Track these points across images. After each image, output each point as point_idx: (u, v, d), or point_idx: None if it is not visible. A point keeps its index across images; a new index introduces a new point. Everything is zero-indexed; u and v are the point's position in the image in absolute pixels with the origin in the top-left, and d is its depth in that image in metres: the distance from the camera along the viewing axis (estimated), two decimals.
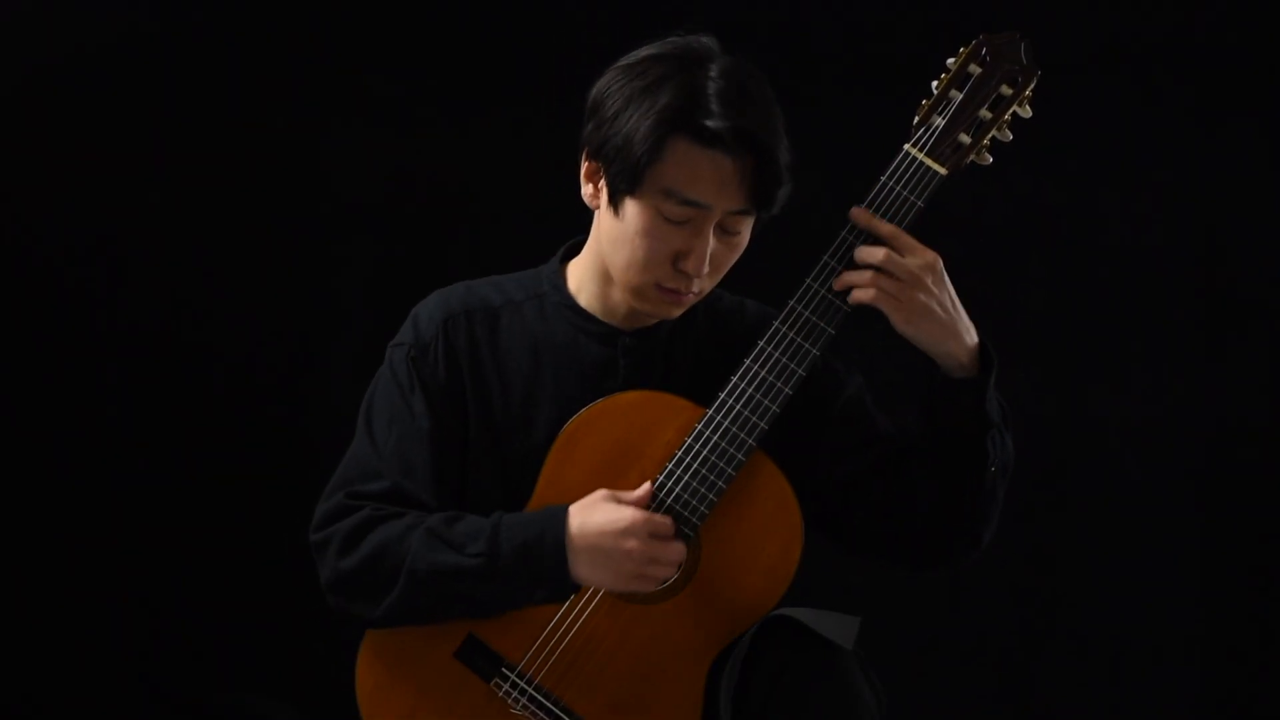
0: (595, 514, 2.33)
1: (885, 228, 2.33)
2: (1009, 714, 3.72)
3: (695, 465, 2.35)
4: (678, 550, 2.33)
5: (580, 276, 2.49)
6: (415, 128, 3.57)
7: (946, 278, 2.35)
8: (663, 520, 2.33)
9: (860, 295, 2.33)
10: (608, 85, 2.38)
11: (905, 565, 2.51)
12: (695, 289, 2.39)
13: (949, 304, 2.35)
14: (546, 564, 2.32)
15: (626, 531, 2.31)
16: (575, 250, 2.52)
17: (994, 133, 2.36)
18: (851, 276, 2.34)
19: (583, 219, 2.53)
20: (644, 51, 2.39)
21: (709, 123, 2.30)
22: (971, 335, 2.38)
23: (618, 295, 2.45)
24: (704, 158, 2.31)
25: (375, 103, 3.56)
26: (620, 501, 2.34)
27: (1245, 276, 3.68)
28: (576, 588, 2.35)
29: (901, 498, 2.43)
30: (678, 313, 2.43)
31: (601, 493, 2.35)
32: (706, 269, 2.36)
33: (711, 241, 2.35)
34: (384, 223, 3.59)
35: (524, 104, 3.55)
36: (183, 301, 3.52)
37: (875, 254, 2.32)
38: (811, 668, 2.31)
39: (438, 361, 2.45)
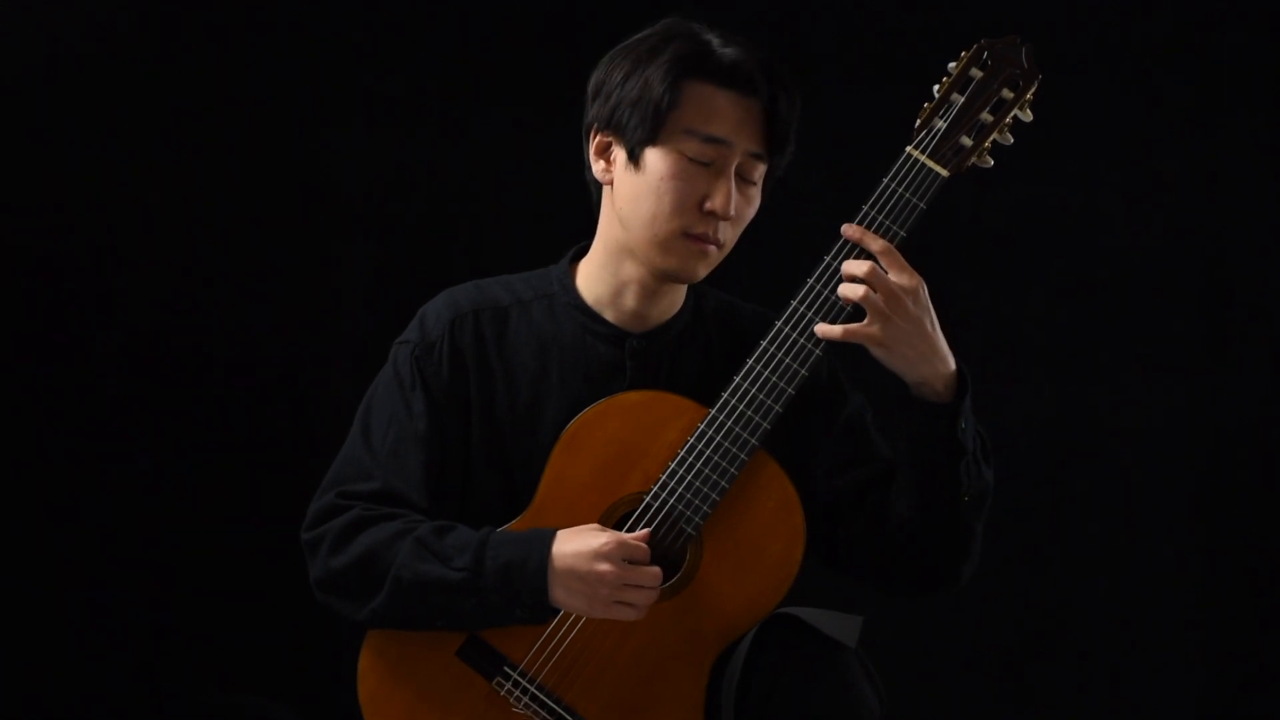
0: (575, 539, 2.33)
1: (877, 244, 2.33)
2: (1009, 714, 3.73)
3: (698, 465, 2.35)
4: (653, 575, 2.32)
5: (589, 276, 2.50)
6: (415, 128, 3.57)
7: (929, 303, 2.34)
8: (637, 545, 2.33)
9: (847, 292, 2.31)
10: (609, 65, 2.44)
11: (886, 589, 2.50)
12: (721, 238, 2.40)
13: (928, 328, 2.33)
14: (527, 585, 2.32)
15: (599, 555, 2.31)
16: (585, 253, 2.53)
17: (995, 136, 2.36)
18: (844, 290, 2.33)
19: (583, 219, 2.53)
20: (642, 33, 2.44)
21: (722, 54, 2.37)
22: (949, 363, 2.36)
23: (644, 265, 2.45)
24: (721, 95, 2.37)
25: (375, 103, 3.56)
26: (604, 531, 2.34)
27: (1246, 278, 3.69)
28: (556, 612, 2.35)
29: (883, 521, 2.43)
30: (703, 270, 2.44)
31: (592, 525, 2.35)
32: (733, 210, 2.38)
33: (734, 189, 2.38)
34: (384, 223, 3.59)
35: (524, 104, 3.55)
36: (182, 302, 3.52)
37: (861, 266, 2.32)
38: (813, 667, 2.32)
39: (442, 361, 2.46)
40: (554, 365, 2.46)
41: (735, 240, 2.45)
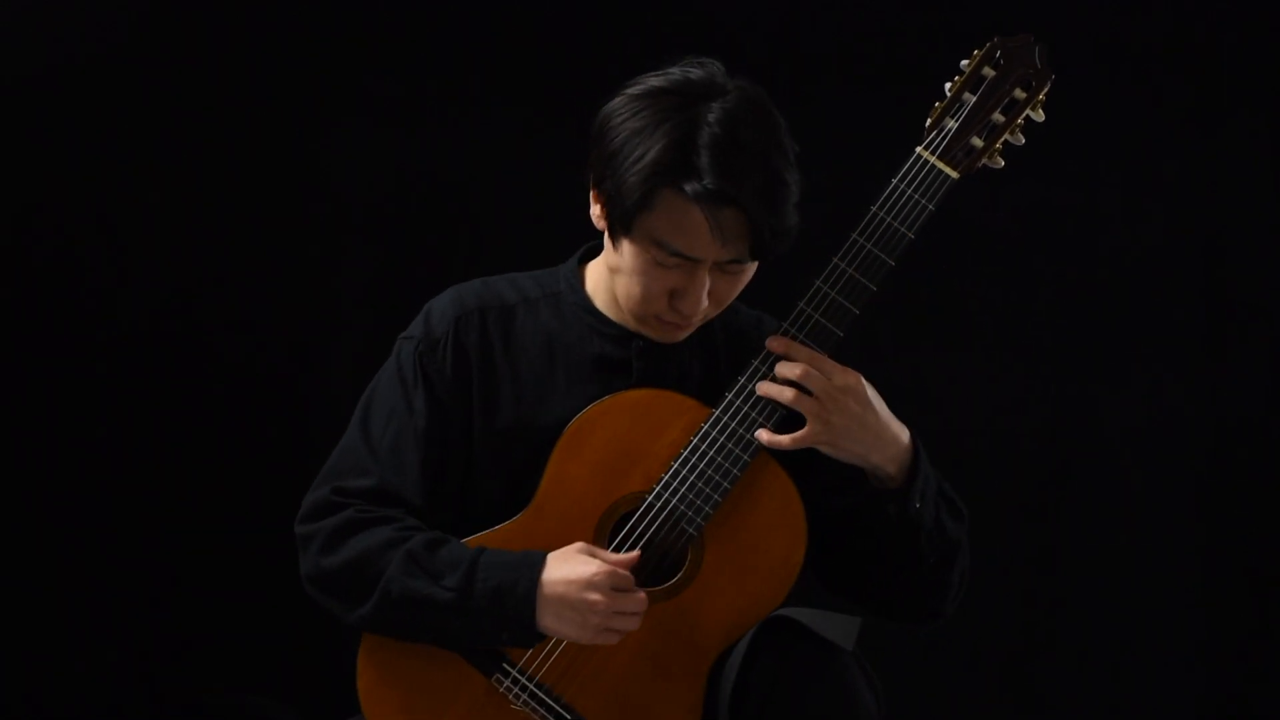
0: (564, 565, 2.33)
1: (803, 353, 2.34)
2: (1009, 714, 3.73)
3: (701, 465, 2.35)
4: (639, 601, 2.33)
5: (596, 279, 2.49)
6: (415, 128, 3.57)
7: (871, 394, 2.36)
8: (625, 574, 2.33)
9: (767, 389, 2.33)
10: (611, 114, 2.36)
11: (877, 615, 2.49)
12: (696, 320, 2.40)
13: (872, 422, 2.35)
14: (515, 610, 2.32)
15: (590, 584, 2.31)
16: (594, 252, 2.52)
17: (1006, 136, 2.35)
18: (770, 390, 2.34)
19: (582, 219, 2.52)
20: (651, 81, 2.36)
21: (688, 187, 2.28)
22: (899, 443, 2.38)
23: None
24: (692, 211, 2.30)
25: (375, 103, 3.56)
26: (594, 555, 2.34)
27: (1246, 278, 3.69)
28: (541, 637, 2.34)
29: (868, 553, 2.44)
30: (680, 337, 2.43)
31: (579, 545, 2.35)
32: (703, 306, 2.36)
33: (709, 281, 2.35)
34: (384, 223, 3.59)
35: (525, 104, 3.55)
36: (183, 302, 3.52)
37: (793, 369, 2.33)
38: (810, 668, 2.31)
39: (446, 358, 2.45)
40: (560, 364, 2.46)
41: (720, 310, 2.42)
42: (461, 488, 2.45)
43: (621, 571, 2.32)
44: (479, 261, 2.74)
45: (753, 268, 2.39)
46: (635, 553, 2.35)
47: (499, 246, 3.48)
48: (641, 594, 2.33)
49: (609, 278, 2.45)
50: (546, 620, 2.32)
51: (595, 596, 2.30)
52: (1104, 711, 3.72)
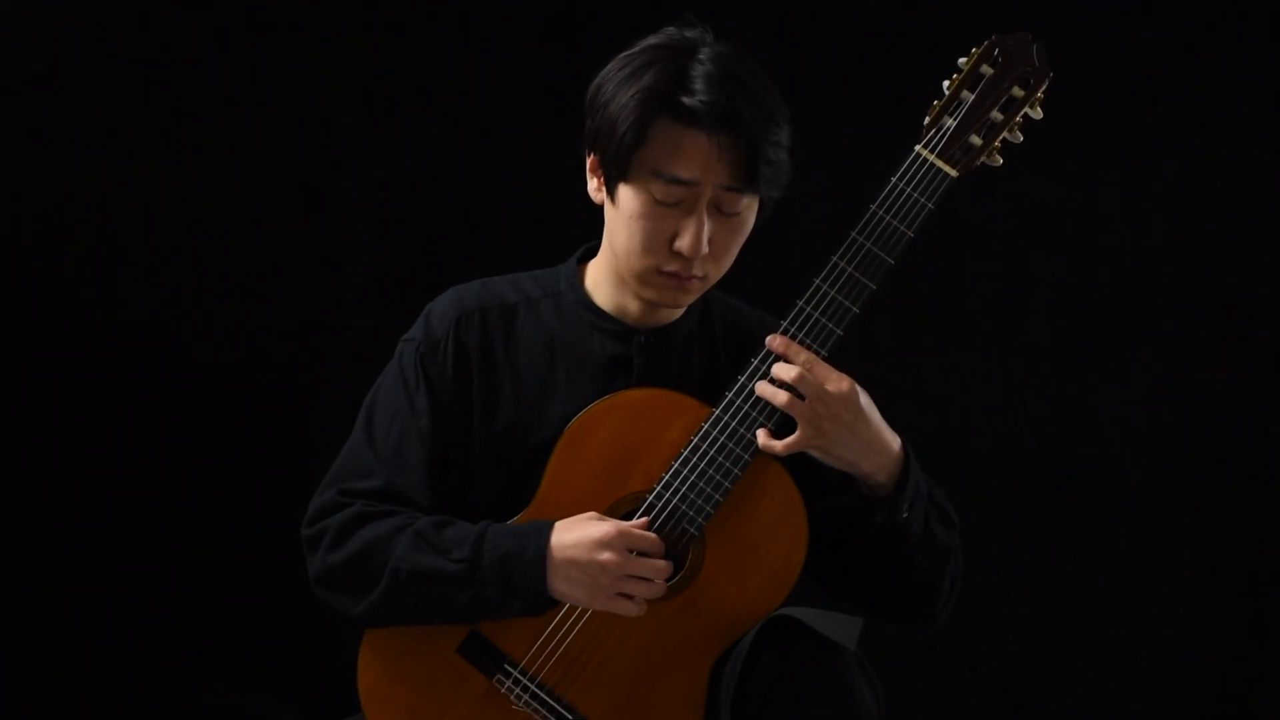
0: (574, 529, 2.33)
1: (800, 355, 2.33)
2: (1009, 714, 3.73)
3: (702, 465, 2.35)
4: (660, 567, 2.32)
5: (596, 276, 2.49)
6: (415, 128, 3.57)
7: (864, 401, 2.35)
8: (647, 536, 2.33)
9: (762, 390, 2.33)
10: (603, 77, 2.40)
11: (872, 616, 2.49)
12: (698, 273, 2.39)
13: (863, 431, 2.34)
14: (524, 576, 2.32)
15: (602, 543, 2.31)
16: (593, 252, 2.52)
17: (1005, 134, 2.35)
18: (765, 391, 2.34)
19: (582, 219, 2.53)
20: (641, 42, 2.40)
21: (684, 100, 2.31)
22: (889, 452, 2.37)
23: (631, 290, 2.45)
24: (685, 135, 2.32)
25: (375, 103, 3.56)
26: (604, 521, 2.34)
27: (1246, 277, 3.69)
28: (553, 603, 2.34)
29: (861, 556, 2.44)
30: (686, 300, 2.43)
31: (589, 513, 2.35)
32: (704, 249, 2.36)
33: (708, 224, 2.35)
34: (384, 223, 3.59)
35: (525, 104, 3.55)
36: (183, 302, 3.53)
37: (789, 372, 2.33)
38: (810, 668, 2.31)
39: (447, 359, 2.45)
40: (561, 363, 2.46)
41: (725, 268, 2.42)
42: (463, 487, 2.45)
43: (642, 534, 2.32)
44: (479, 261, 2.75)
45: (750, 215, 2.40)
46: (643, 520, 2.35)
47: (499, 246, 3.49)
48: (664, 561, 2.32)
49: (610, 273, 2.46)
50: (557, 584, 2.32)
51: (607, 555, 2.30)
52: (1103, 712, 3.72)
